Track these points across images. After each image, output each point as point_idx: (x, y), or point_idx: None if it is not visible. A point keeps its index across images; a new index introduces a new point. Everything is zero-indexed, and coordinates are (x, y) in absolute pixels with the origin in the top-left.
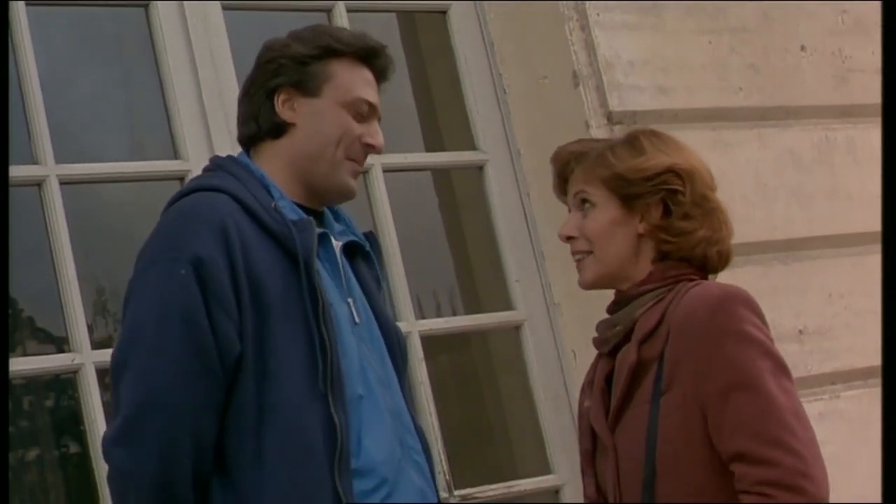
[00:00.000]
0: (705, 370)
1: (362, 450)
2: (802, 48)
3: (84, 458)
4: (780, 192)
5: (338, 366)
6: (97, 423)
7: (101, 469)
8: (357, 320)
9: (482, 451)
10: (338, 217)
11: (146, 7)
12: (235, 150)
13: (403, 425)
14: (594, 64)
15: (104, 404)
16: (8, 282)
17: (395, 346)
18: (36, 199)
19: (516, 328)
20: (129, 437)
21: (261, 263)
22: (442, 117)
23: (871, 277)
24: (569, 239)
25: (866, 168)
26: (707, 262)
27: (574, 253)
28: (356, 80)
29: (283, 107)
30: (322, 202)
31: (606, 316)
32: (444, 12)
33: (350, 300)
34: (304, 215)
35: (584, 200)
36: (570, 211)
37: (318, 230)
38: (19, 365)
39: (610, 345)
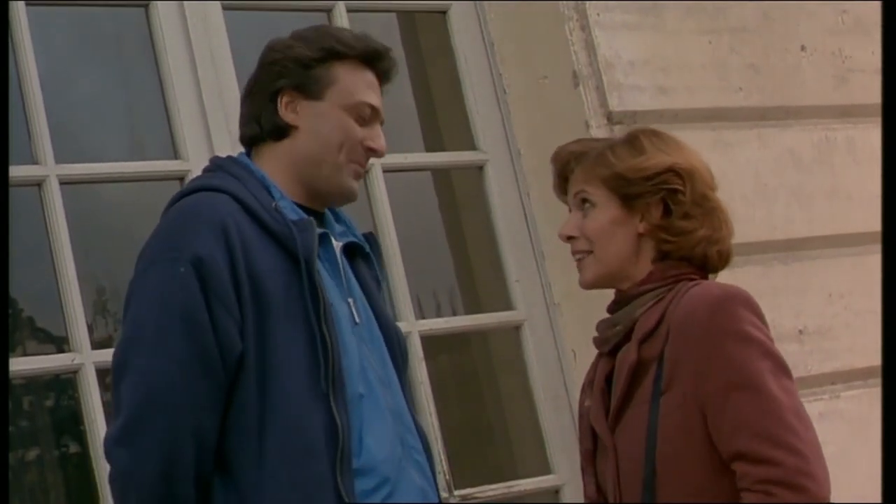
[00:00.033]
0: (705, 370)
1: (363, 449)
2: (802, 48)
3: (84, 458)
4: (780, 192)
5: (339, 365)
6: (97, 423)
7: (101, 469)
8: (357, 320)
9: (482, 451)
10: (338, 218)
11: (146, 7)
12: (235, 150)
13: (404, 425)
14: (594, 64)
15: (104, 404)
16: (8, 282)
17: (396, 346)
18: (36, 199)
19: (516, 328)
20: (131, 437)
21: (261, 263)
22: (442, 117)
23: (871, 277)
24: (569, 239)
25: (866, 168)
26: (707, 262)
27: (574, 253)
28: (359, 84)
29: (286, 109)
30: (323, 204)
31: (606, 316)
32: (444, 12)
33: (350, 300)
34: (305, 215)
35: (584, 200)
36: (570, 211)
37: (319, 230)
38: (19, 365)
39: (610, 344)
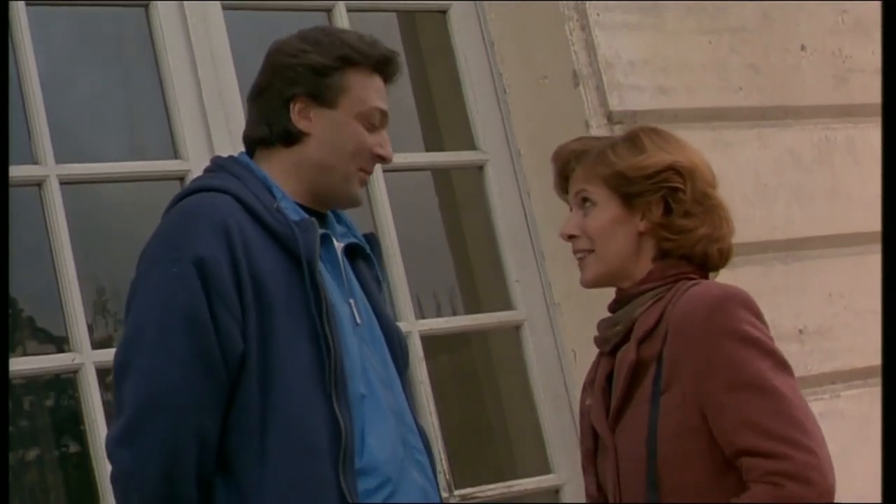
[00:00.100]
0: (705, 370)
1: (365, 449)
2: (802, 48)
3: (84, 457)
4: (780, 192)
5: (342, 365)
6: (97, 423)
7: (101, 469)
8: (358, 321)
9: (482, 450)
10: (339, 219)
11: (146, 7)
12: (235, 150)
13: (405, 425)
14: (594, 64)
15: (104, 404)
16: (8, 282)
17: (396, 347)
18: (36, 199)
19: (516, 328)
20: (133, 437)
21: (263, 263)
22: (442, 117)
23: (871, 277)
24: (570, 238)
25: (866, 168)
26: (708, 260)
27: (575, 252)
28: (370, 91)
29: (299, 116)
30: (326, 207)
31: (607, 315)
32: (444, 12)
33: (351, 301)
34: (306, 216)
35: (584, 199)
36: (571, 210)
37: (321, 231)
38: (19, 365)
39: (610, 344)
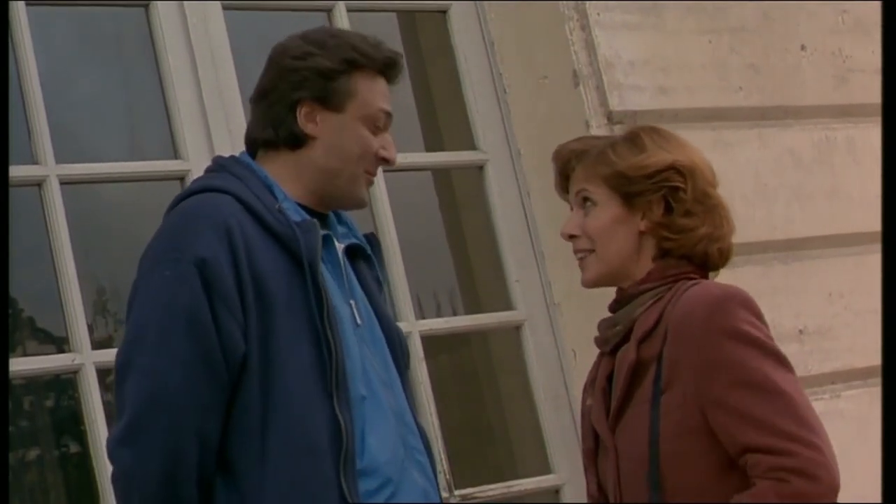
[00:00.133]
0: (706, 370)
1: (366, 450)
2: (802, 48)
3: (84, 458)
4: (780, 192)
5: (343, 367)
6: (97, 424)
7: (101, 469)
8: (359, 322)
9: (482, 450)
10: (340, 219)
11: (146, 7)
12: (235, 149)
13: (406, 425)
14: (594, 64)
15: (104, 404)
16: (8, 282)
17: (397, 347)
18: (36, 199)
19: (516, 328)
20: (134, 438)
21: (264, 264)
22: (442, 117)
23: (871, 277)
24: (571, 237)
25: (866, 168)
26: (708, 260)
27: (576, 252)
28: (376, 94)
29: (305, 119)
30: (330, 208)
31: (607, 315)
32: (444, 12)
33: (352, 302)
34: (308, 217)
35: (585, 199)
36: (571, 209)
37: (322, 232)
38: (19, 365)
39: (611, 344)
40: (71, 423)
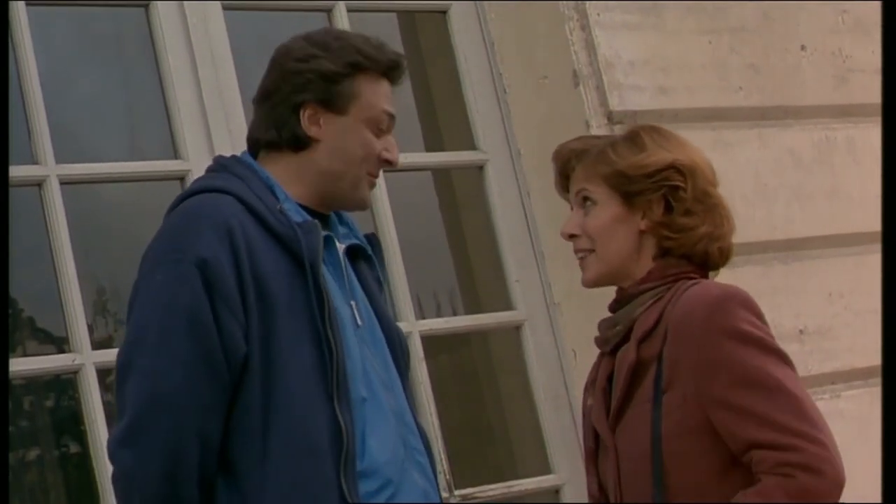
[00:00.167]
0: (706, 370)
1: (366, 451)
2: (802, 48)
3: (84, 458)
4: (780, 192)
5: (343, 368)
6: (97, 424)
7: (101, 469)
8: (359, 323)
9: (482, 450)
10: (341, 219)
11: (146, 7)
12: (235, 150)
13: (406, 426)
14: (594, 64)
15: (104, 405)
16: (8, 282)
17: (397, 348)
18: (36, 199)
19: (516, 328)
20: (135, 438)
21: (266, 264)
22: (442, 117)
23: (871, 277)
24: (571, 237)
25: (866, 168)
26: (708, 259)
27: (576, 251)
28: (379, 96)
29: (309, 122)
30: (331, 209)
31: (607, 315)
32: (444, 12)
33: (352, 303)
34: (309, 217)
35: (585, 198)
36: (572, 209)
37: (323, 233)
38: (19, 365)
39: (611, 344)
40: (71, 423)
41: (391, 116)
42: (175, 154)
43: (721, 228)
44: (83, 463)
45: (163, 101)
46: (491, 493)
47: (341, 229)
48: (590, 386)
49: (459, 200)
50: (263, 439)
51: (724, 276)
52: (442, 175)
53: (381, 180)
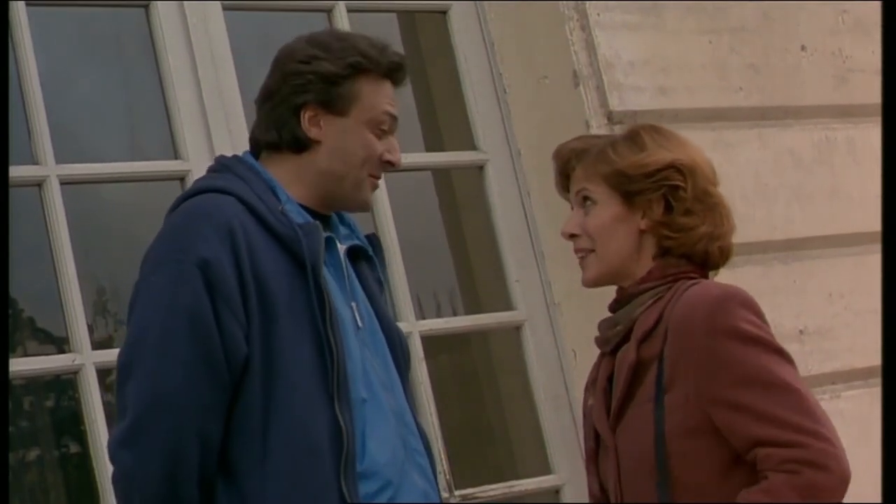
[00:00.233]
0: (708, 371)
1: (366, 453)
2: (802, 48)
3: (84, 458)
4: (780, 192)
5: (344, 369)
6: (97, 424)
7: (101, 469)
8: (360, 324)
9: (482, 451)
10: (342, 220)
11: (146, 7)
12: (235, 150)
13: (406, 427)
14: (594, 64)
15: (105, 405)
16: (8, 282)
17: (398, 349)
18: (36, 199)
19: (516, 328)
20: (136, 439)
21: (266, 265)
22: (442, 117)
23: (871, 277)
24: (571, 237)
25: (866, 168)
26: (708, 258)
27: (577, 251)
28: (381, 97)
29: (309, 124)
30: (332, 210)
31: (607, 315)
32: (444, 12)
33: (353, 304)
34: (311, 219)
35: (585, 198)
36: (572, 209)
37: (325, 234)
38: (20, 365)
39: (611, 344)
40: (71, 423)
41: (393, 118)
42: (175, 154)
43: (721, 228)
44: (83, 463)
45: (163, 101)
46: (491, 494)
47: (342, 230)
48: (590, 386)
49: (459, 200)
50: (263, 440)
51: (724, 276)
52: (442, 175)
53: (381, 181)
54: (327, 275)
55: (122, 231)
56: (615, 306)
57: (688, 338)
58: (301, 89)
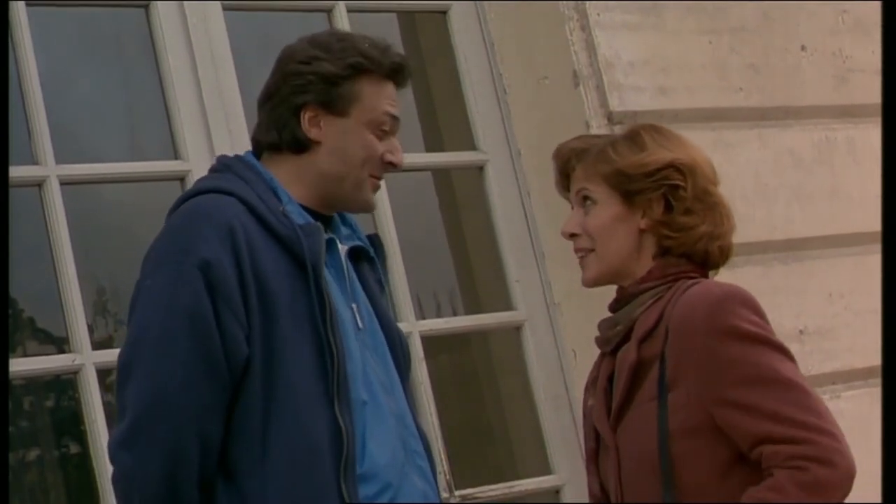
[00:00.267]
0: (711, 371)
1: (366, 455)
2: (802, 48)
3: (84, 458)
4: (780, 192)
5: (344, 371)
6: (97, 424)
7: (101, 470)
8: (360, 326)
9: (482, 451)
10: (344, 220)
11: (146, 7)
12: (235, 150)
13: (407, 429)
14: (594, 64)
15: (105, 405)
16: (8, 282)
17: (398, 350)
18: (36, 199)
19: (516, 328)
20: (137, 439)
21: (267, 266)
22: (442, 117)
23: (871, 277)
24: (571, 236)
25: (866, 168)
26: (708, 258)
27: (577, 251)
28: (382, 98)
29: (309, 124)
30: (334, 210)
31: (607, 315)
32: (444, 12)
33: (354, 305)
34: (312, 220)
35: (585, 197)
36: (572, 208)
37: (326, 236)
38: (20, 365)
39: (612, 344)
40: (71, 423)
41: (394, 119)
42: (175, 154)
43: (721, 227)
44: (83, 463)
45: (163, 101)
46: (491, 494)
47: (344, 230)
48: (590, 386)
49: (459, 200)
50: (263, 441)
51: (724, 277)
52: (442, 175)
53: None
54: (328, 276)
55: (122, 231)
56: (615, 306)
57: (689, 338)
58: (301, 90)
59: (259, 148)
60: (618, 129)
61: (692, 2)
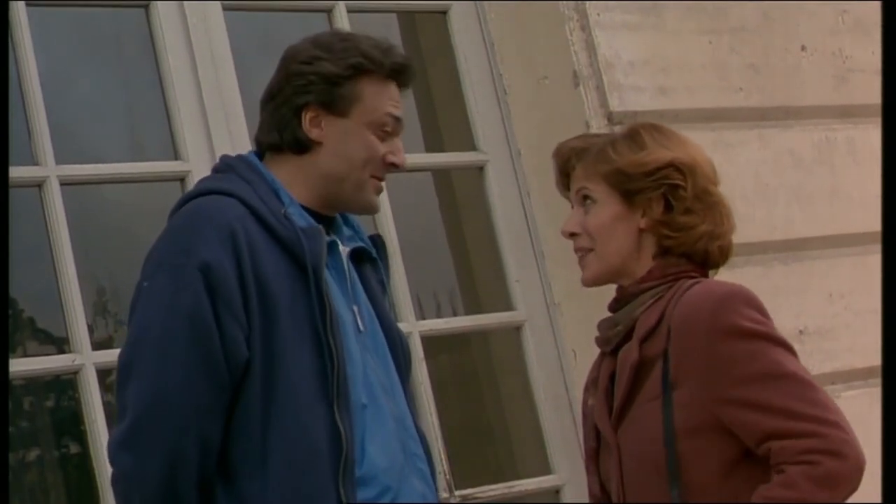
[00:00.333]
0: (715, 370)
1: (366, 458)
2: (802, 48)
3: (84, 458)
4: (780, 192)
5: (344, 374)
6: (97, 424)
7: (101, 470)
8: (361, 328)
9: (482, 451)
10: (346, 220)
11: (146, 7)
12: (235, 150)
13: (407, 431)
14: (594, 64)
15: (105, 405)
16: (8, 282)
17: (399, 352)
18: (36, 200)
19: (516, 328)
20: (137, 439)
21: (268, 268)
22: (442, 117)
23: (871, 277)
24: (571, 236)
25: (866, 168)
26: (708, 258)
27: (576, 250)
28: (383, 99)
29: (310, 125)
30: (336, 211)
31: (607, 315)
32: (444, 12)
33: (355, 307)
34: (314, 222)
35: (585, 197)
36: (572, 207)
37: (327, 238)
38: (20, 365)
39: (612, 344)
40: (71, 423)
41: (397, 119)
42: (175, 155)
43: (721, 227)
44: (83, 463)
45: (163, 101)
46: (491, 494)
47: (346, 231)
48: (591, 386)
49: (459, 201)
50: (263, 443)
51: (724, 277)
52: (442, 175)
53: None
54: (329, 278)
55: (122, 231)
56: (615, 306)
57: (692, 337)
58: (302, 90)
59: (262, 148)
60: (618, 130)
61: (692, 2)
